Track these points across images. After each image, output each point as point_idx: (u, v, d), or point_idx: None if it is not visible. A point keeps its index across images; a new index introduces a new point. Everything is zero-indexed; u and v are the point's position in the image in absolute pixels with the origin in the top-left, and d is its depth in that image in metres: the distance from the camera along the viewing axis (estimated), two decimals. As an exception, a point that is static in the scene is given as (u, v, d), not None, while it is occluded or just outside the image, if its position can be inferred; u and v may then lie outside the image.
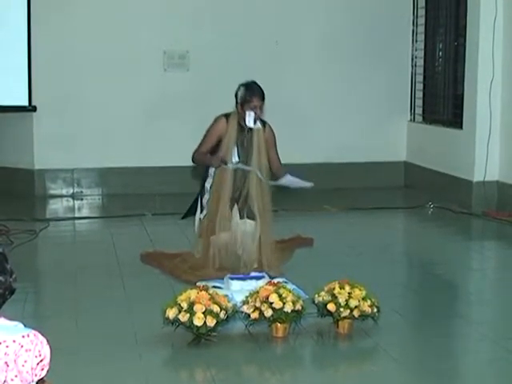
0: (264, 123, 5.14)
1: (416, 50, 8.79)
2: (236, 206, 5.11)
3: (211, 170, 5.17)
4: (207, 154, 5.09)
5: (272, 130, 5.19)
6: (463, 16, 7.77)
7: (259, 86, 5.02)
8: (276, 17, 8.45)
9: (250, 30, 8.31)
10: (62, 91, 8.13)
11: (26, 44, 7.83)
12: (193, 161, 5.22)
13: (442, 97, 8.40)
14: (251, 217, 5.11)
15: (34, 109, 8.05)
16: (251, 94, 4.95)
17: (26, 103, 7.96)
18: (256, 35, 8.31)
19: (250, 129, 5.03)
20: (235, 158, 5.03)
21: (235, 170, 5.04)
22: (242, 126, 5.02)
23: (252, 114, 4.92)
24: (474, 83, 7.41)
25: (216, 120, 5.12)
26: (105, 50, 8.18)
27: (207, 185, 5.21)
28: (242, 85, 5.02)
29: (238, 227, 5.08)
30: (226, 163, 5.01)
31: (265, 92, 5.05)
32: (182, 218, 5.54)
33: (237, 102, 5.02)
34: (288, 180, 5.15)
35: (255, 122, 4.98)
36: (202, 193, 5.25)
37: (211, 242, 5.11)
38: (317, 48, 8.58)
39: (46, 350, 1.96)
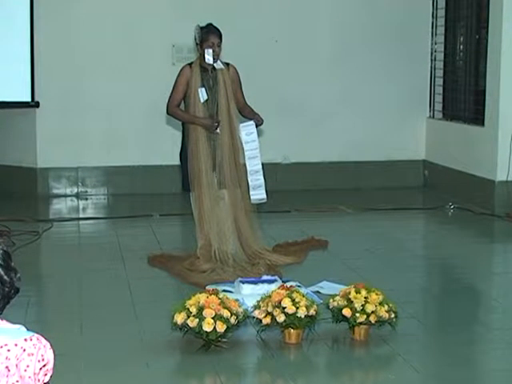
0: (227, 64, 5.49)
1: (436, 44, 8.66)
2: (214, 173, 5.37)
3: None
4: (200, 118, 5.32)
5: (236, 71, 5.52)
6: (485, 8, 7.67)
7: (215, 27, 5.39)
8: (290, 12, 8.35)
9: (263, 24, 8.21)
10: (66, 87, 8.02)
11: (28, 38, 7.71)
12: (168, 113, 5.48)
13: (463, 92, 8.29)
14: (224, 185, 5.41)
15: (37, 105, 7.93)
16: (207, 32, 5.33)
17: (28, 99, 7.83)
18: (268, 31, 8.19)
19: (214, 69, 5.37)
20: (204, 97, 5.34)
21: (206, 101, 5.33)
22: (205, 68, 5.37)
23: (210, 51, 5.29)
24: (497, 78, 7.29)
25: (181, 70, 5.49)
26: (111, 43, 8.08)
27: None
28: (199, 27, 5.37)
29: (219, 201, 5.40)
30: (218, 122, 5.30)
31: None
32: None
33: (196, 44, 5.41)
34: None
35: (215, 60, 5.32)
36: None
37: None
38: (333, 43, 8.50)
39: (50, 355, 1.91)
